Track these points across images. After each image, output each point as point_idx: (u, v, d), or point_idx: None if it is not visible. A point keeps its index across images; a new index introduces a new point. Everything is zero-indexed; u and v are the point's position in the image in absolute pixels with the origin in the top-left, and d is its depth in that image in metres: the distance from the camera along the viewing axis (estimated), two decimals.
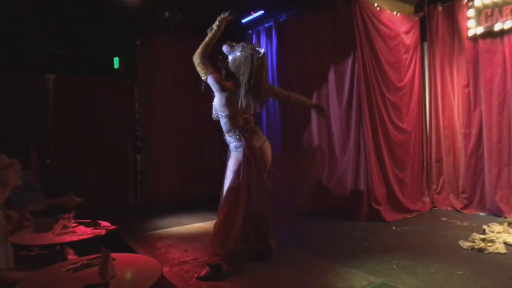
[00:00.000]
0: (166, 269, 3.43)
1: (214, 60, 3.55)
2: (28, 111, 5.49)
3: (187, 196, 6.53)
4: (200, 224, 5.12)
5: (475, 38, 5.20)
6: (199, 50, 3.44)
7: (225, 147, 3.75)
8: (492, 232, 4.19)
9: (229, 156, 3.52)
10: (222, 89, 3.37)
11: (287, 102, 4.32)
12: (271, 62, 6.22)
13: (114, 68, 6.71)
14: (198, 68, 3.45)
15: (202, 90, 3.48)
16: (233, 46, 3.47)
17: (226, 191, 3.35)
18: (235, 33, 6.66)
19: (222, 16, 3.45)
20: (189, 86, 6.09)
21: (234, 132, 3.40)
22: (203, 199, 6.33)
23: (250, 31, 6.75)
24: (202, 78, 3.42)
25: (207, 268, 3.21)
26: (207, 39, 3.46)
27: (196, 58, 3.44)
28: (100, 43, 6.08)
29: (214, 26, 3.45)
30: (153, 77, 6.53)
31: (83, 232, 2.94)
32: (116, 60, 6.75)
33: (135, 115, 6.54)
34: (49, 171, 5.56)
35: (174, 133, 6.68)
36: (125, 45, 6.43)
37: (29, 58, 5.43)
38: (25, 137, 5.38)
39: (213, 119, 3.59)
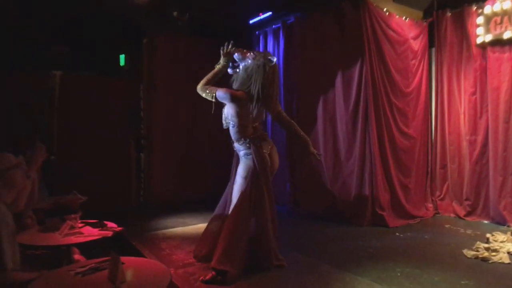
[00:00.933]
0: (171, 271, 3.42)
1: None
2: (34, 108, 5.48)
3: (190, 195, 6.53)
4: (204, 225, 5.02)
5: (483, 46, 5.19)
6: (202, 82, 3.54)
7: (228, 148, 3.77)
8: (496, 241, 4.18)
9: (237, 162, 3.52)
10: (233, 99, 3.37)
11: (285, 127, 3.92)
12: (278, 64, 6.20)
13: (119, 66, 6.71)
14: (204, 95, 3.52)
15: (212, 112, 3.51)
16: (245, 53, 3.46)
17: (239, 197, 3.36)
18: (242, 33, 6.69)
19: (225, 49, 3.54)
20: (193, 86, 6.07)
21: (244, 140, 3.41)
22: (206, 199, 6.33)
23: (257, 32, 6.74)
24: (213, 100, 3.47)
25: (213, 272, 3.21)
26: (212, 73, 3.56)
27: (200, 89, 3.53)
28: (107, 41, 6.08)
29: (221, 61, 3.55)
30: (158, 76, 6.52)
31: (90, 233, 2.93)
32: (122, 57, 6.75)
33: (140, 113, 6.53)
34: (53, 169, 5.55)
35: (178, 132, 6.68)
36: (131, 43, 6.43)
37: (35, 56, 5.43)
38: (31, 134, 5.36)
39: (224, 127, 3.58)
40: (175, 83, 6.55)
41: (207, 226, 3.75)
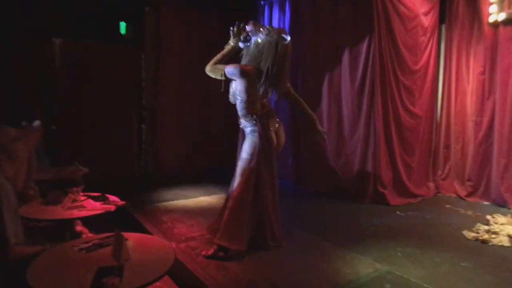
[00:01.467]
0: (173, 245, 3.43)
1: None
2: (34, 76, 5.37)
3: (191, 167, 6.51)
4: (205, 198, 5.12)
5: (495, 25, 5.03)
6: (210, 63, 3.44)
7: (233, 122, 3.69)
8: (496, 223, 4.20)
9: (243, 138, 3.46)
10: (242, 73, 3.27)
11: (293, 104, 3.99)
12: None
13: (120, 34, 6.52)
14: (213, 75, 3.43)
15: (222, 90, 3.41)
16: (259, 27, 3.32)
17: (243, 174, 3.31)
18: (247, 2, 6.49)
19: (235, 30, 3.42)
20: (196, 57, 5.94)
21: (252, 117, 3.33)
22: (207, 171, 6.34)
23: (262, 2, 6.53)
24: (222, 78, 3.37)
25: (215, 247, 3.22)
26: (220, 54, 3.45)
27: (208, 71, 3.44)
28: (108, 8, 5.90)
29: (231, 42, 3.44)
30: (160, 46, 6.36)
31: (93, 207, 2.90)
32: (122, 25, 6.55)
33: (141, 83, 6.42)
34: (54, 138, 5.49)
35: (180, 103, 6.59)
36: (133, 11, 6.23)
37: (34, 23, 5.27)
38: (32, 103, 5.28)
39: (231, 102, 3.50)
40: (179, 53, 6.42)
41: (224, 202, 3.70)
